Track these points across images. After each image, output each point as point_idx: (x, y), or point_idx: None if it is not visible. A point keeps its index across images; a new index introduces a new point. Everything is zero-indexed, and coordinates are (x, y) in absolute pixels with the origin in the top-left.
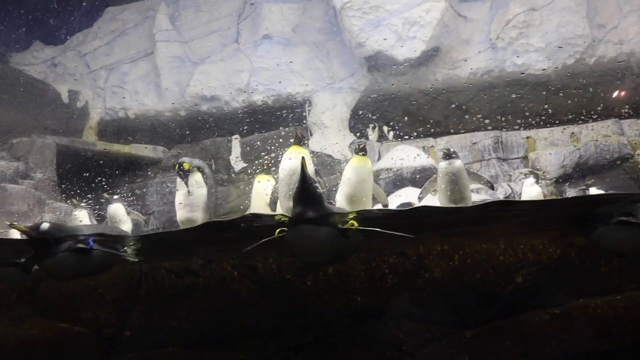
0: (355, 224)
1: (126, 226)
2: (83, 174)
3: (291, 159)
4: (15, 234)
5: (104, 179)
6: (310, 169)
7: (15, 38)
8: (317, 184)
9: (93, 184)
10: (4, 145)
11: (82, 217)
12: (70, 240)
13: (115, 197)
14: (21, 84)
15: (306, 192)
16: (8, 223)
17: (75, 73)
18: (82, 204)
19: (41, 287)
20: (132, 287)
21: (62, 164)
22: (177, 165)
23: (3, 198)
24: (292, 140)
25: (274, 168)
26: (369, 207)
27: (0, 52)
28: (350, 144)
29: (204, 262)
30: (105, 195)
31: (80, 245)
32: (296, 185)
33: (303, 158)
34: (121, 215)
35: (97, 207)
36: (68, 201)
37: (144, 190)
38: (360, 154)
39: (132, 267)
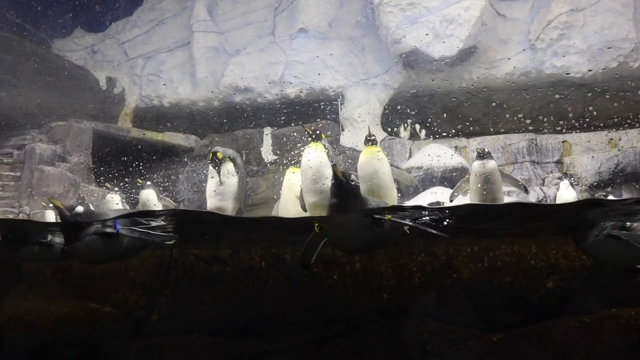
0: (389, 216)
1: None
2: (117, 160)
3: (308, 156)
4: (50, 216)
5: (137, 165)
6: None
7: (61, 23)
8: (351, 179)
9: (126, 170)
10: (43, 128)
11: (115, 201)
12: (98, 224)
13: (148, 183)
14: (62, 70)
15: (339, 185)
16: (48, 199)
17: (114, 60)
18: (116, 189)
19: (74, 267)
20: (161, 271)
21: (97, 148)
22: (210, 154)
23: (40, 179)
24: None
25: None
26: (393, 196)
27: (44, 38)
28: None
29: (232, 251)
30: (139, 180)
31: (108, 230)
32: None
33: (334, 165)
34: (153, 201)
35: (130, 192)
36: (102, 185)
37: (176, 177)
38: (369, 144)
39: (163, 252)
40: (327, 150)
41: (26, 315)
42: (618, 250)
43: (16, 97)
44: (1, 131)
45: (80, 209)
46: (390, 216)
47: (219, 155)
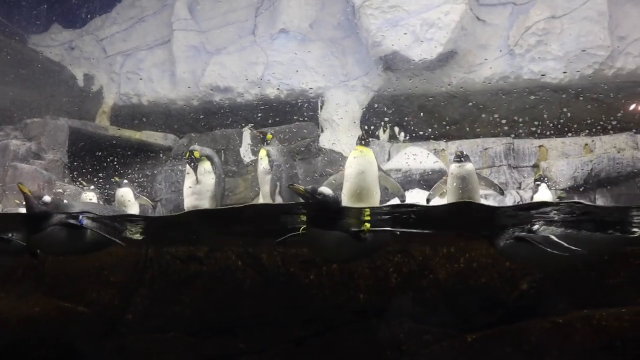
0: (368, 225)
1: (133, 211)
2: (94, 157)
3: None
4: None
5: (114, 163)
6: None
7: (36, 15)
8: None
9: (103, 168)
10: (17, 124)
11: (90, 199)
12: (63, 215)
13: (125, 181)
14: (38, 65)
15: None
16: (17, 185)
17: (92, 57)
18: (91, 187)
19: (47, 265)
20: (137, 270)
21: (73, 146)
22: (187, 153)
23: (13, 176)
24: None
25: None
26: (377, 200)
27: (19, 32)
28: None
29: (209, 249)
30: (115, 179)
31: (71, 221)
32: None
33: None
34: (129, 200)
35: (106, 190)
36: (77, 183)
37: (153, 177)
38: (360, 143)
39: (139, 250)
40: (269, 156)
41: None
42: (526, 251)
43: None
44: None
45: (47, 198)
46: (368, 226)
47: (196, 154)
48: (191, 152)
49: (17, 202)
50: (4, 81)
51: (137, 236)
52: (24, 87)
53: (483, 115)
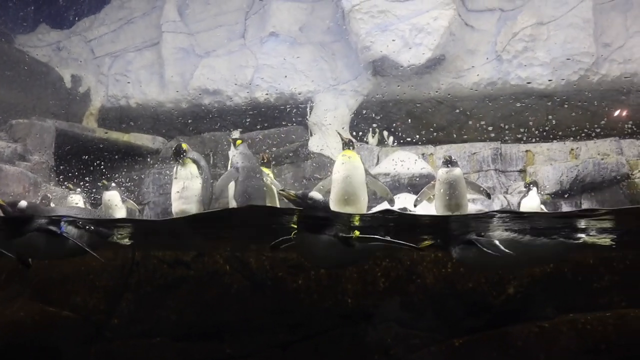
0: (357, 232)
1: (120, 214)
2: (80, 159)
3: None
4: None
5: (101, 166)
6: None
7: (22, 16)
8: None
9: (90, 170)
10: (3, 125)
11: (77, 202)
12: (43, 220)
13: (112, 184)
14: (24, 66)
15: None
16: None
17: (80, 58)
18: (77, 189)
19: (32, 269)
20: (123, 274)
21: (60, 148)
22: (174, 148)
23: None
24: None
25: (273, 162)
26: (364, 205)
27: (5, 32)
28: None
29: (196, 253)
30: (103, 182)
31: (51, 227)
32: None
33: (282, 190)
34: (116, 203)
35: (93, 193)
36: (63, 185)
37: (141, 180)
38: (346, 148)
39: (125, 254)
40: (196, 165)
41: None
42: (475, 255)
43: None
44: None
45: (23, 203)
46: (358, 233)
47: (184, 146)
48: (179, 145)
49: (2, 203)
50: None
51: (124, 241)
52: (9, 88)
53: (470, 121)
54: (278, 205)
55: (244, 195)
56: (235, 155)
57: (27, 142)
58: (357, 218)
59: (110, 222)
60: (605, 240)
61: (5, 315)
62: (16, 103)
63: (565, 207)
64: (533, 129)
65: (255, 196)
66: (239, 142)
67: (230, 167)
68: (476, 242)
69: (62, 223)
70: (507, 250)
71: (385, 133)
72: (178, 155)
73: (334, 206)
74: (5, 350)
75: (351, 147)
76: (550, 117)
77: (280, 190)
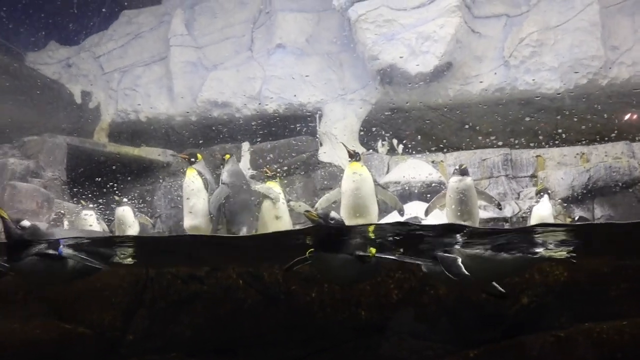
0: (373, 251)
1: (134, 230)
2: (92, 175)
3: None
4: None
5: (112, 181)
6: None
7: (33, 33)
8: (331, 217)
9: (102, 185)
10: (15, 143)
11: (90, 219)
12: (43, 244)
13: (125, 200)
14: (35, 83)
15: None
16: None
17: (89, 74)
18: (90, 205)
19: (48, 288)
20: (137, 291)
21: (72, 164)
22: (190, 153)
23: (12, 195)
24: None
25: (284, 174)
26: (375, 216)
27: (17, 51)
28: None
29: (209, 269)
30: (115, 197)
31: (50, 251)
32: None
33: (308, 212)
34: (129, 219)
35: (105, 208)
36: (76, 201)
37: (152, 193)
38: (353, 160)
39: (139, 271)
40: (202, 176)
41: None
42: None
43: None
44: None
45: (26, 223)
46: (374, 251)
47: (199, 156)
48: (194, 154)
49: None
50: (1, 99)
51: (127, 260)
52: (21, 105)
53: (479, 127)
54: (271, 218)
55: (229, 212)
56: (224, 171)
57: (39, 159)
58: (371, 229)
59: (119, 240)
60: (562, 253)
61: (24, 333)
62: (28, 120)
63: (578, 213)
64: (544, 132)
65: (240, 212)
66: (227, 156)
67: (221, 183)
68: (440, 260)
69: (61, 247)
70: (465, 273)
71: (395, 141)
72: (188, 161)
73: (344, 217)
74: None
75: (357, 159)
76: (559, 121)
77: (305, 211)
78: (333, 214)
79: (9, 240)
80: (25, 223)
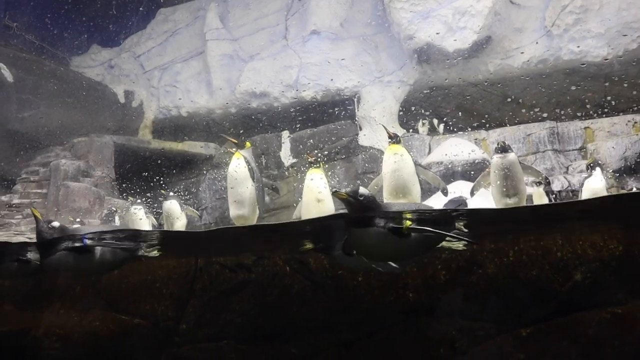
0: (408, 223)
1: (181, 222)
2: (139, 171)
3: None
4: None
5: (159, 175)
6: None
7: (76, 37)
8: (360, 193)
9: (149, 181)
10: (66, 144)
11: (139, 214)
12: (70, 240)
13: (171, 193)
14: (81, 86)
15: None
16: (30, 209)
17: (131, 74)
18: (139, 200)
19: (104, 280)
20: (188, 281)
21: (119, 161)
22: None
23: (66, 195)
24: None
25: (325, 159)
26: (417, 197)
27: (62, 56)
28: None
29: (256, 257)
30: (162, 192)
31: (77, 244)
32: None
33: (335, 192)
34: (176, 212)
35: (154, 203)
36: (125, 197)
37: (197, 185)
38: (392, 141)
39: (188, 262)
40: (247, 163)
41: (59, 329)
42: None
43: (38, 116)
44: (26, 150)
45: (56, 223)
46: (409, 223)
47: (247, 144)
48: (242, 142)
49: (71, 219)
50: (51, 104)
51: (152, 253)
52: (69, 107)
53: (522, 100)
54: (313, 200)
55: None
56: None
57: (89, 159)
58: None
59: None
60: (458, 245)
61: (83, 326)
62: (76, 122)
63: (632, 184)
64: (592, 102)
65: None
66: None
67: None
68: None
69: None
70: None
71: (435, 121)
72: (236, 144)
73: (387, 200)
74: (86, 357)
75: (397, 141)
76: (608, 88)
77: (334, 192)
78: (362, 189)
79: (39, 239)
80: (55, 224)
